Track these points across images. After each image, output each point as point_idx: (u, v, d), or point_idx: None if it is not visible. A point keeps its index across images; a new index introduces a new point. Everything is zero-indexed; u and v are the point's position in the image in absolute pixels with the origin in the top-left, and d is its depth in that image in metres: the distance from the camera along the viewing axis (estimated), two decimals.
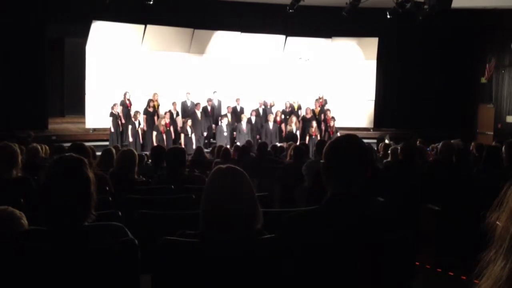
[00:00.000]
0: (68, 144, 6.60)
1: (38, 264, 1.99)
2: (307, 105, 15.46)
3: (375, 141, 14.84)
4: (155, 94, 14.64)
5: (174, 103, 14.63)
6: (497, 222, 0.94)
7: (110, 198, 3.83)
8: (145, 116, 14.18)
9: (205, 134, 14.69)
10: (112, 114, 13.78)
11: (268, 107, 15.54)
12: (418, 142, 10.26)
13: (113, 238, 2.12)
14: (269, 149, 9.70)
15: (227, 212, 2.05)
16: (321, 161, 2.08)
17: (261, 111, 15.27)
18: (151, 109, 14.32)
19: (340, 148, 2.04)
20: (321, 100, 15.72)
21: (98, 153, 7.79)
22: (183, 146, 12.27)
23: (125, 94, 14.40)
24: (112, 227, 2.19)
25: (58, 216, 2.07)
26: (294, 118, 14.61)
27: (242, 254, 2.07)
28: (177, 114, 14.62)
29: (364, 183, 2.01)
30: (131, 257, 2.12)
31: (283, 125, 14.86)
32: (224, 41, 16.46)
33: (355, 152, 2.03)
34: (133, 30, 15.42)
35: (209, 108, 15.03)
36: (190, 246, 2.09)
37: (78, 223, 2.09)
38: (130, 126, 13.77)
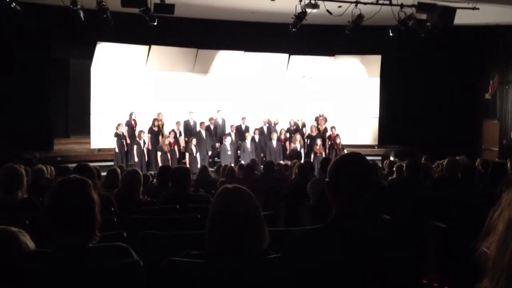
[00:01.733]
0: (74, 165, 6.60)
1: (42, 286, 1.98)
2: (312, 123, 15.51)
3: (379, 158, 14.80)
4: (159, 113, 14.72)
5: (177, 123, 14.68)
6: (486, 250, 0.90)
7: (115, 219, 3.82)
8: (149, 135, 14.23)
9: (209, 153, 14.70)
10: (117, 134, 13.82)
11: (272, 125, 15.57)
12: (423, 159, 10.24)
13: (118, 259, 2.11)
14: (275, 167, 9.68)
15: (233, 233, 2.05)
16: (325, 179, 2.08)
17: (265, 129, 15.29)
18: (156, 128, 14.37)
19: (345, 166, 2.04)
20: (321, 118, 15.74)
21: (103, 173, 7.79)
22: (187, 165, 12.27)
23: (131, 114, 14.48)
24: (117, 248, 2.19)
25: (62, 237, 2.07)
26: (298, 136, 14.60)
27: (248, 275, 2.05)
28: (180, 134, 14.66)
29: (370, 201, 2.00)
30: (135, 278, 2.10)
31: (287, 143, 14.86)
32: (227, 60, 16.57)
33: (360, 170, 2.02)
34: (137, 50, 15.56)
35: (212, 127, 15.07)
36: (195, 266, 2.07)
37: (82, 245, 2.09)
38: (135, 146, 13.79)
